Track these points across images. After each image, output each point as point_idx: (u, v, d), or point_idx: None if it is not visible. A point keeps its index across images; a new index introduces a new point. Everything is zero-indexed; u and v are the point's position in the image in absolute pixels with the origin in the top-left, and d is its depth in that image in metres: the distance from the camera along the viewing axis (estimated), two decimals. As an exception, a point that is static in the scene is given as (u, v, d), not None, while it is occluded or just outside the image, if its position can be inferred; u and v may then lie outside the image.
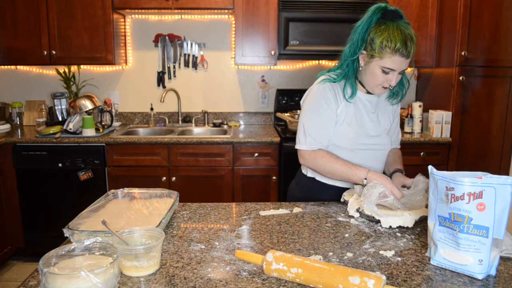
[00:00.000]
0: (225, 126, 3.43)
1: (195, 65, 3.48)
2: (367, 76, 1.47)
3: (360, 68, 1.48)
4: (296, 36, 3.00)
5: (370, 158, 1.57)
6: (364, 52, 1.43)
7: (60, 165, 2.88)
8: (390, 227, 1.28)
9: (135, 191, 1.42)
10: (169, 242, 1.18)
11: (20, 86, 3.49)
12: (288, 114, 3.18)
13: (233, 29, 3.23)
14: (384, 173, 1.65)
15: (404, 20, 1.40)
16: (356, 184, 1.51)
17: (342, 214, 1.41)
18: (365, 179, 1.43)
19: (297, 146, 1.57)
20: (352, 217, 1.38)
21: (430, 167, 1.08)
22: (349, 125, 1.52)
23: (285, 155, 2.88)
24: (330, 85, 1.52)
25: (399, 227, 1.28)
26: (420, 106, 3.09)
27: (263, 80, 3.50)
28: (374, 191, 1.32)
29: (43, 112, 3.35)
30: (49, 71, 3.45)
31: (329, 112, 1.51)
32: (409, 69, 1.57)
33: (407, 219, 1.27)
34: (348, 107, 1.52)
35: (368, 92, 1.54)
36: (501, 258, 1.06)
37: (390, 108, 1.63)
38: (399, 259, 1.08)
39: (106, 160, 2.91)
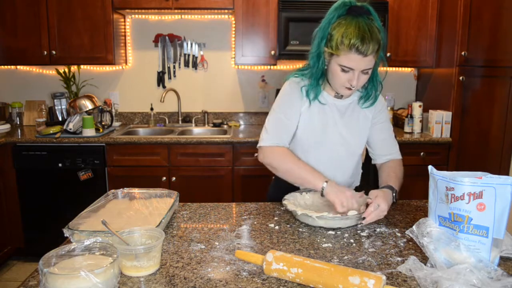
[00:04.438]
0: (225, 126, 3.43)
1: (195, 65, 3.48)
2: (330, 75, 1.40)
3: (326, 67, 1.41)
4: (296, 36, 3.00)
5: (330, 163, 1.51)
6: (326, 49, 1.35)
7: (60, 165, 2.88)
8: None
9: (135, 191, 1.42)
10: (169, 242, 1.18)
11: (20, 86, 3.49)
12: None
13: (233, 29, 3.23)
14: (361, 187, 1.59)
15: (369, 16, 1.31)
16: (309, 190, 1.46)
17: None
18: (323, 188, 1.32)
19: (258, 144, 1.50)
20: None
21: (430, 167, 1.08)
22: (310, 127, 1.48)
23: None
24: (297, 83, 1.48)
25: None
26: (420, 106, 3.09)
27: (263, 80, 3.50)
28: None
29: (43, 112, 3.35)
30: (49, 71, 3.45)
31: (293, 110, 1.47)
32: (382, 69, 1.49)
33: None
34: (312, 108, 1.47)
35: (338, 96, 1.48)
36: (501, 258, 1.06)
37: (365, 114, 1.52)
38: (399, 259, 1.08)
39: (106, 160, 2.91)
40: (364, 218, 1.25)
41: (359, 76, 1.33)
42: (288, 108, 1.47)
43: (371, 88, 1.48)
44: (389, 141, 1.57)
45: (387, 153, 1.56)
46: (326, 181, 1.33)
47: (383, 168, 1.54)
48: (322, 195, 1.33)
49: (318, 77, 1.44)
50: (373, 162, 1.62)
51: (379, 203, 1.27)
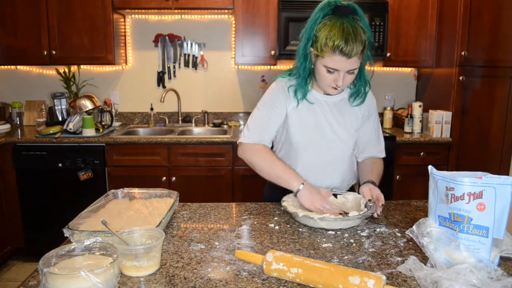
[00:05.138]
0: (225, 126, 3.43)
1: (195, 65, 3.48)
2: (317, 75, 1.41)
3: (312, 67, 1.42)
4: (296, 36, 2.98)
5: (327, 162, 1.51)
6: (312, 50, 1.36)
7: (60, 165, 2.88)
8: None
9: (135, 191, 1.42)
10: (169, 242, 1.18)
11: (20, 86, 3.49)
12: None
13: (233, 29, 3.23)
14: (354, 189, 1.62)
15: (354, 16, 1.30)
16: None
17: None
18: (298, 191, 1.37)
19: (239, 140, 1.51)
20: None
21: (430, 167, 1.08)
22: (302, 127, 1.48)
23: (285, 155, 2.88)
24: (284, 83, 1.49)
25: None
26: (420, 106, 3.09)
27: (263, 80, 3.50)
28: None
29: (43, 112, 3.35)
30: (49, 71, 3.45)
31: (277, 109, 1.47)
32: (369, 68, 1.49)
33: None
34: (300, 108, 1.47)
35: (328, 93, 1.48)
36: (501, 258, 1.06)
37: (356, 112, 1.52)
38: (399, 259, 1.08)
39: (106, 160, 2.91)
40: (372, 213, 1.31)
41: (344, 76, 1.34)
42: (271, 108, 1.48)
43: (359, 85, 1.48)
44: (376, 141, 1.60)
45: (370, 153, 1.60)
46: (303, 183, 1.37)
47: (361, 166, 1.59)
48: (295, 195, 1.38)
49: (306, 77, 1.44)
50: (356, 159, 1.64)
51: (374, 193, 1.37)
